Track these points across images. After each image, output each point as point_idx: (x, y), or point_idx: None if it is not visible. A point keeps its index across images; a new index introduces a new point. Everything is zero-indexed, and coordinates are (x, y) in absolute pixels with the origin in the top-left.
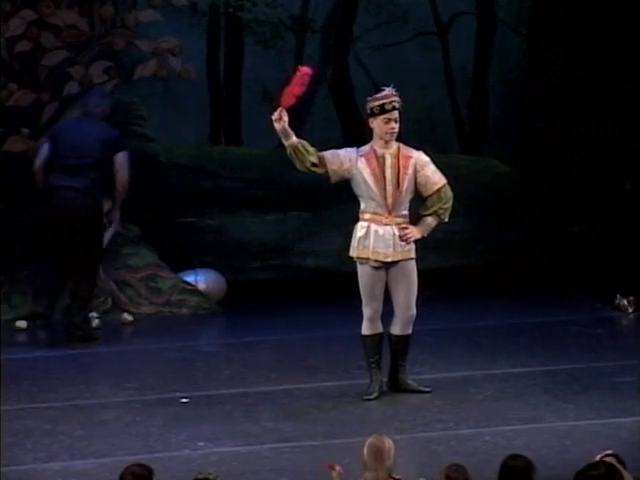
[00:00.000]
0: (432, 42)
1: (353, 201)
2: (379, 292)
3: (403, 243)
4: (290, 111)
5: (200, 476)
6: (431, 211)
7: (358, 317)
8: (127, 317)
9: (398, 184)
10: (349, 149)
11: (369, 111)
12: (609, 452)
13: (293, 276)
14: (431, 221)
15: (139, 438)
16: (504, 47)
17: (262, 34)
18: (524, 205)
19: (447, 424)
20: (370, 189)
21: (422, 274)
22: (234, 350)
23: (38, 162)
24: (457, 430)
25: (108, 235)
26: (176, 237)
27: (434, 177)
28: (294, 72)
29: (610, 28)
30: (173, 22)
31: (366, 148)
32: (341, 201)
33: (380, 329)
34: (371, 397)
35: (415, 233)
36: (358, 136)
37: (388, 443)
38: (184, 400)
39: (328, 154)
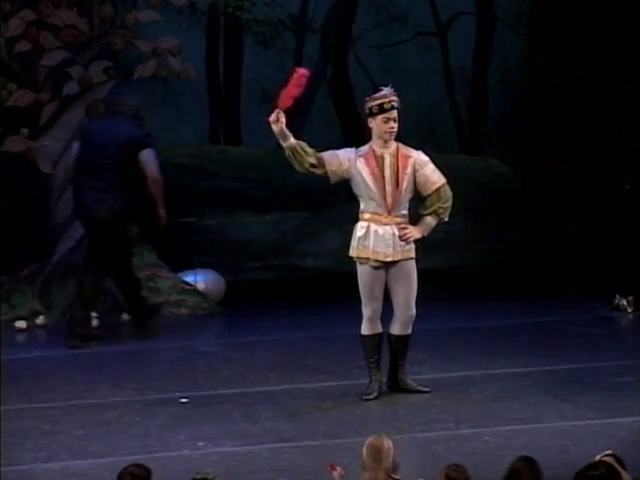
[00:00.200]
0: (431, 42)
1: (352, 201)
2: (379, 292)
3: (403, 243)
4: (289, 111)
5: (198, 476)
6: (430, 210)
7: (358, 317)
8: (126, 317)
9: (397, 184)
10: (348, 149)
11: (368, 111)
12: (609, 452)
13: (293, 276)
14: (431, 220)
15: (139, 438)
16: (504, 47)
17: (261, 34)
18: (524, 205)
19: (447, 424)
20: (369, 189)
21: (422, 274)
22: (233, 350)
23: (70, 162)
24: (457, 430)
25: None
26: (175, 237)
27: (433, 176)
28: (291, 73)
29: (610, 28)
30: (172, 22)
31: (365, 148)
32: (340, 201)
33: (379, 329)
34: (370, 397)
35: (415, 233)
36: (358, 136)
37: (387, 443)
38: (183, 400)
39: (327, 155)
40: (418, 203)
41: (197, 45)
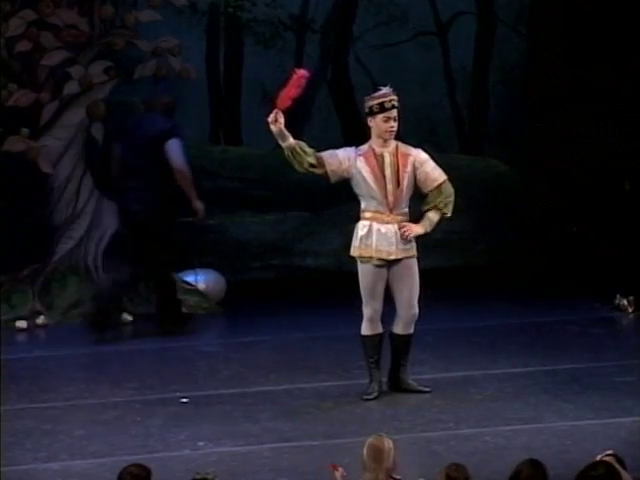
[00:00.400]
0: (432, 42)
1: (353, 201)
2: (380, 291)
3: (405, 241)
4: (288, 112)
5: (198, 476)
6: (432, 205)
7: (358, 317)
8: (127, 317)
9: (398, 182)
10: (348, 149)
11: (368, 110)
12: (609, 452)
13: (293, 276)
14: (433, 215)
15: (139, 438)
16: (504, 47)
17: (262, 34)
18: (524, 205)
19: (447, 424)
20: (370, 188)
21: (422, 274)
22: (234, 350)
23: (114, 165)
24: (457, 430)
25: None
26: (175, 237)
27: (434, 173)
28: (291, 74)
29: (610, 28)
30: (173, 22)
31: (365, 147)
32: (341, 201)
33: (380, 329)
34: (371, 397)
35: (416, 229)
36: (358, 136)
37: (387, 444)
38: (184, 400)
39: (327, 154)
40: (419, 202)
41: (197, 45)
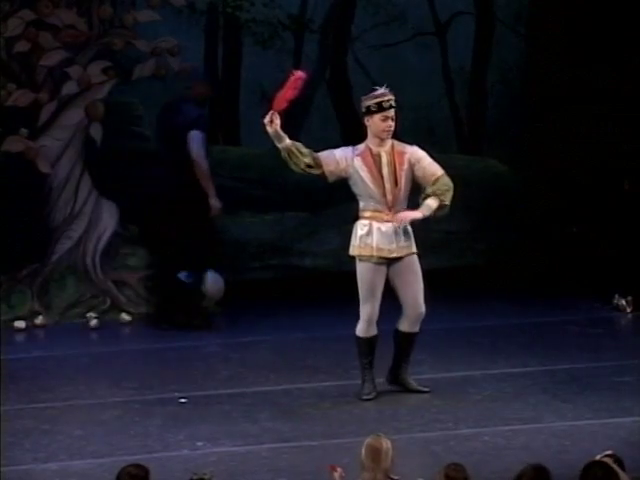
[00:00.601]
0: (430, 42)
1: (351, 201)
2: (379, 290)
3: (405, 238)
4: (285, 112)
5: (195, 477)
6: (430, 192)
7: (357, 317)
8: (125, 317)
9: (396, 181)
10: (345, 148)
11: (365, 109)
12: (609, 452)
13: (292, 276)
14: (431, 202)
15: (138, 438)
16: (503, 47)
17: (260, 34)
18: (523, 205)
19: (446, 424)
20: (368, 187)
21: (422, 274)
22: (233, 350)
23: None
24: (456, 430)
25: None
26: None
27: (431, 168)
28: (289, 75)
29: (610, 28)
30: (171, 22)
31: (361, 147)
32: (339, 201)
33: (375, 331)
34: (370, 397)
35: (412, 214)
36: (356, 136)
37: (386, 444)
38: (183, 400)
39: (324, 155)
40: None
41: (196, 45)
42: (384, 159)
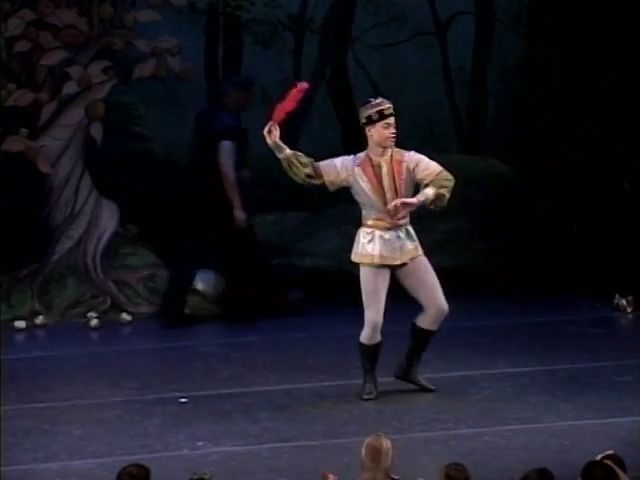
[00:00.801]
0: (431, 42)
1: (352, 201)
2: (382, 294)
3: (410, 241)
4: (284, 120)
5: (195, 477)
6: (428, 181)
7: (356, 317)
8: (126, 317)
9: (396, 190)
10: (346, 158)
11: (366, 119)
12: (609, 452)
13: (292, 276)
14: (428, 190)
15: (138, 438)
16: (503, 47)
17: (261, 34)
18: (523, 205)
19: (446, 424)
20: (369, 197)
21: None
22: (233, 350)
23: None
24: (456, 430)
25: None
26: (175, 237)
27: (430, 167)
28: (292, 86)
29: (610, 28)
30: (172, 22)
31: (362, 156)
32: (340, 201)
33: (379, 338)
34: (370, 396)
35: (407, 200)
36: (356, 136)
37: (386, 444)
38: (183, 400)
39: (324, 165)
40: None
41: (196, 45)
42: (384, 169)
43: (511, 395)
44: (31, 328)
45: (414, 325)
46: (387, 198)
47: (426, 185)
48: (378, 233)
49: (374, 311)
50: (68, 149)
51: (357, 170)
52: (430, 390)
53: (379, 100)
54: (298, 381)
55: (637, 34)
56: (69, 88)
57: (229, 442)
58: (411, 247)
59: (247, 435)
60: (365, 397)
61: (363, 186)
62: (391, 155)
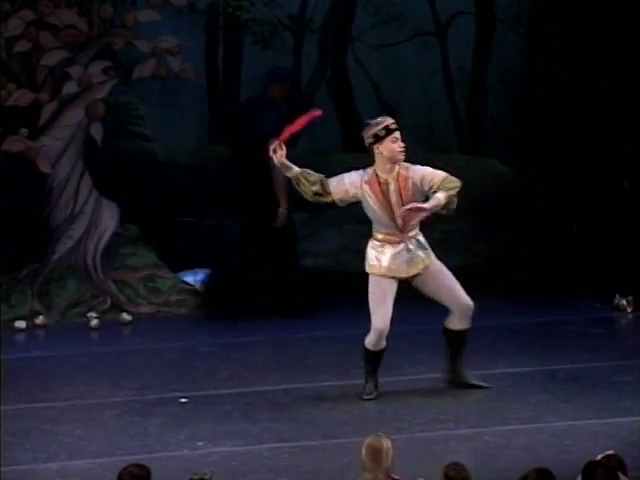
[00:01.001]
0: (431, 42)
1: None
2: (390, 299)
3: (422, 250)
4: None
5: (196, 477)
6: (436, 187)
7: (356, 317)
8: (126, 317)
9: (404, 206)
10: (354, 174)
11: (373, 138)
12: (610, 452)
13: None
14: (439, 195)
15: (138, 438)
16: (503, 47)
17: (260, 34)
18: (523, 205)
19: (446, 424)
20: (377, 214)
21: None
22: (233, 350)
23: None
24: (456, 430)
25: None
26: (175, 237)
27: (435, 175)
28: (307, 112)
29: (610, 28)
30: (172, 22)
31: (370, 172)
32: None
33: (384, 344)
34: (371, 397)
35: (419, 205)
36: (356, 136)
37: (386, 444)
38: (183, 400)
39: (333, 183)
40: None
41: (196, 45)
42: (392, 187)
43: (511, 395)
44: (31, 328)
45: (445, 329)
46: (395, 214)
47: (434, 192)
48: (388, 247)
49: (381, 318)
50: (68, 149)
51: (365, 187)
52: (484, 387)
53: (380, 118)
54: (298, 381)
55: (637, 34)
56: (69, 88)
57: (229, 442)
58: (423, 256)
59: (247, 435)
60: (365, 397)
61: (371, 203)
62: (397, 172)
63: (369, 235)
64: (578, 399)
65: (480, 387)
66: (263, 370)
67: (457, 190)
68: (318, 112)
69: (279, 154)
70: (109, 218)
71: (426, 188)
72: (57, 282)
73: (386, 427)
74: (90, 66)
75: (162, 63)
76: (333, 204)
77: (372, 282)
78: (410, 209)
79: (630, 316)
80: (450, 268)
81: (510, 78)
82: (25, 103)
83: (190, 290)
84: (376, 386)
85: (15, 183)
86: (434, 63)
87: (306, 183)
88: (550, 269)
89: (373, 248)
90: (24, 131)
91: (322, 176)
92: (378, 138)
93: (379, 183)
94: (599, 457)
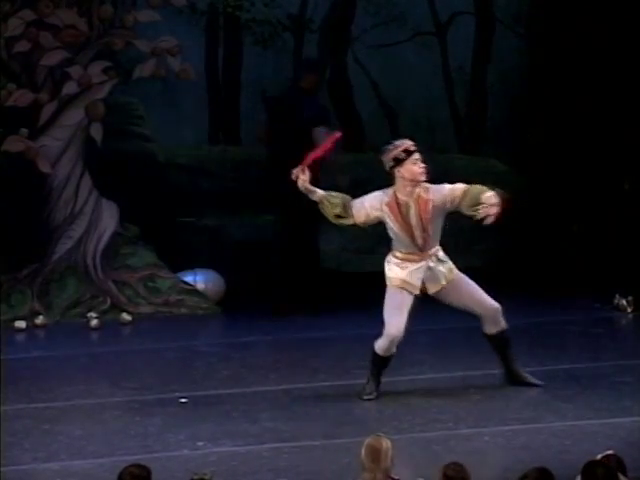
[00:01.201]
0: (430, 42)
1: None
2: (406, 307)
3: (443, 265)
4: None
5: (196, 477)
6: (461, 199)
7: (357, 317)
8: (126, 317)
9: (424, 229)
10: (374, 196)
11: (393, 161)
12: (609, 452)
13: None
14: (488, 194)
15: (138, 438)
16: (502, 47)
17: (260, 34)
18: (523, 205)
19: (446, 424)
20: (398, 235)
21: None
22: (233, 350)
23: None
24: (456, 430)
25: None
26: (175, 237)
27: (454, 190)
28: (327, 136)
29: (610, 28)
30: (172, 22)
31: (390, 193)
32: None
33: (394, 351)
34: (371, 397)
35: (496, 210)
36: (356, 136)
37: (386, 444)
38: (183, 400)
39: (355, 206)
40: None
41: (196, 45)
42: (412, 210)
43: (511, 395)
44: (31, 328)
45: (485, 335)
46: (415, 235)
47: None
48: (408, 264)
49: (395, 326)
50: (68, 149)
51: (385, 209)
52: (537, 385)
53: (398, 142)
54: (298, 381)
55: (637, 34)
56: (69, 88)
57: (229, 442)
58: (445, 271)
59: (247, 435)
60: (365, 397)
61: (391, 225)
62: (418, 194)
63: (369, 236)
64: (578, 399)
65: (535, 385)
66: (263, 370)
67: (487, 188)
68: (338, 134)
69: (302, 179)
70: (109, 218)
71: (448, 206)
72: (57, 282)
73: (386, 427)
74: (90, 66)
75: (162, 63)
76: (355, 226)
77: (389, 292)
78: (489, 215)
79: (630, 316)
80: None
81: (509, 78)
82: (25, 103)
83: (190, 290)
84: (377, 387)
85: (15, 183)
86: (434, 63)
87: (329, 205)
88: (550, 269)
89: (395, 264)
90: (24, 131)
91: (347, 198)
92: (399, 161)
93: (398, 205)
94: (599, 457)
